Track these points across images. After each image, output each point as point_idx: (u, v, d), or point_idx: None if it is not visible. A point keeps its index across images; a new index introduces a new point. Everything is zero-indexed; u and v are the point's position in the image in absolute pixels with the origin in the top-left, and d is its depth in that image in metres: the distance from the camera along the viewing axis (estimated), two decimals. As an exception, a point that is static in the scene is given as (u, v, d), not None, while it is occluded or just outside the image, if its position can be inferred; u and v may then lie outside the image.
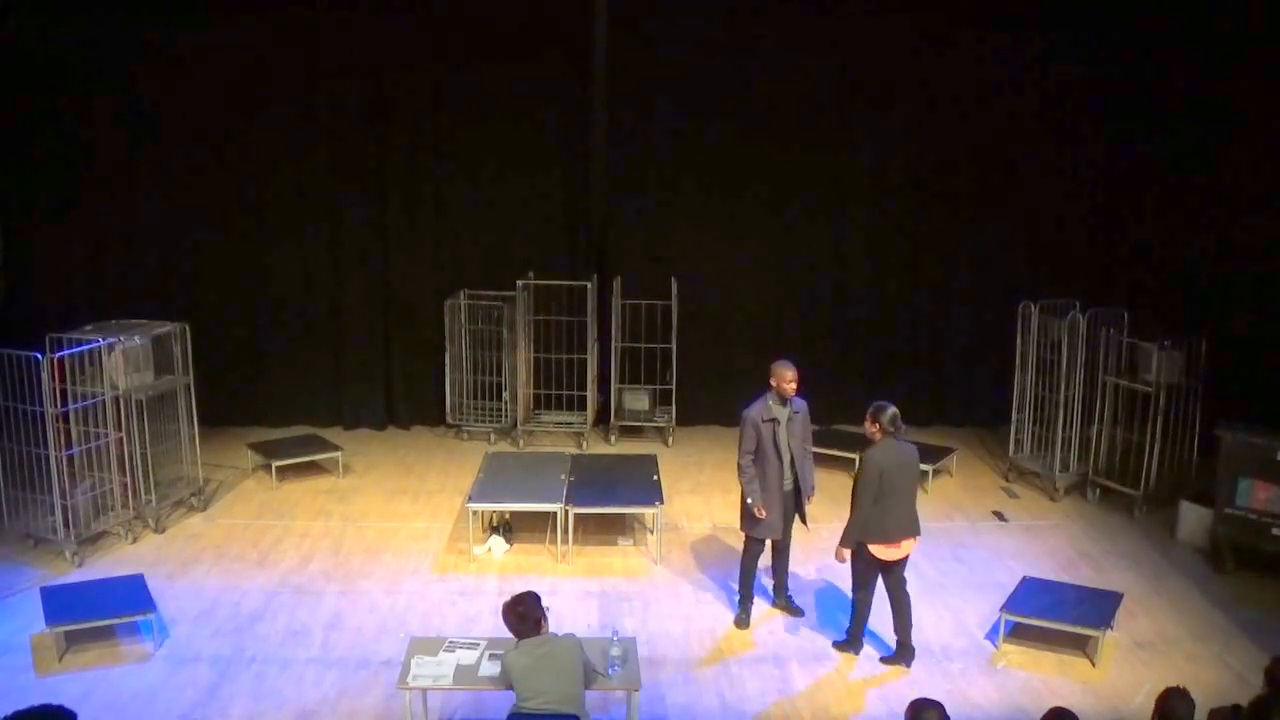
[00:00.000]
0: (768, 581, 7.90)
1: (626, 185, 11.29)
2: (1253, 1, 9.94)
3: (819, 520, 8.26)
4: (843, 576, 7.33)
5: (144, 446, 8.83)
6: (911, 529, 6.92)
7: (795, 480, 7.39)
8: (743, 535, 7.60)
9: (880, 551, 6.84)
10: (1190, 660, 7.12)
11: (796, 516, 7.55)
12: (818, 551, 8.26)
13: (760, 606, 7.77)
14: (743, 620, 7.61)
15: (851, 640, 7.20)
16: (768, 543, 7.57)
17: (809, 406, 7.52)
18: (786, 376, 7.25)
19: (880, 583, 7.01)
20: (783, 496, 7.36)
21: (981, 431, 11.41)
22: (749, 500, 7.31)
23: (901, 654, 7.06)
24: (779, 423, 7.27)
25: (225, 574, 8.28)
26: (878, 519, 6.77)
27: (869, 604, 7.09)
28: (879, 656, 7.14)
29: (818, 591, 8.03)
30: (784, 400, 7.29)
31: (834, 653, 7.21)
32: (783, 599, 7.80)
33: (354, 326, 11.44)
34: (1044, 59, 10.94)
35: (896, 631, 7.08)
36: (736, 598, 7.73)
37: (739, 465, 7.37)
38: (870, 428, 6.78)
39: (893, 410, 6.74)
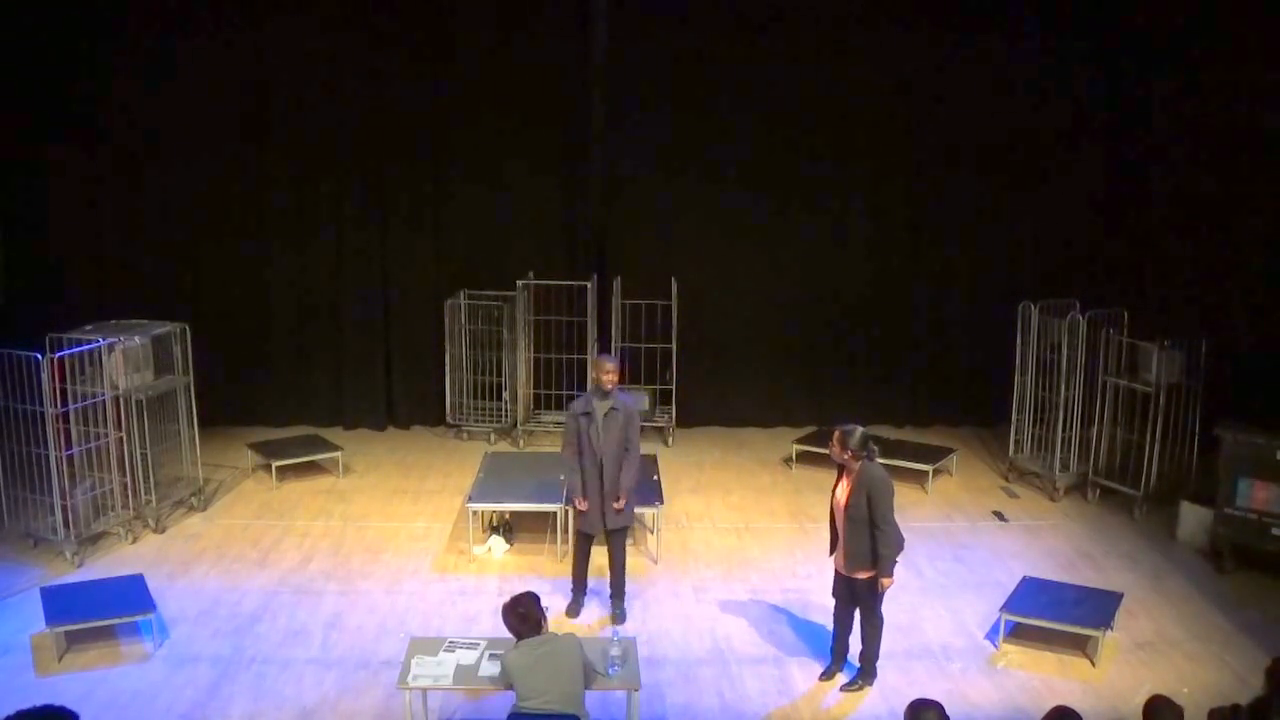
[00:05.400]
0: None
1: (626, 185, 11.28)
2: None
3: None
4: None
5: (144, 446, 8.83)
6: None
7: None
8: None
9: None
10: (1190, 660, 7.13)
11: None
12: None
13: (598, 612, 7.65)
14: (572, 609, 7.57)
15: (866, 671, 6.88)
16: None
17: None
18: (604, 368, 7.25)
19: (837, 607, 6.80)
20: (601, 495, 7.27)
21: (981, 431, 11.41)
22: (568, 492, 7.34)
23: (869, 673, 6.82)
24: (591, 417, 7.17)
25: (225, 574, 8.28)
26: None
27: None
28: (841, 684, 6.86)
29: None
30: (604, 394, 7.20)
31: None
32: (615, 606, 7.58)
33: (354, 326, 11.44)
34: (1044, 60, 10.94)
35: (858, 652, 6.87)
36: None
37: (561, 457, 7.44)
38: (843, 454, 6.35)
39: (862, 431, 6.38)
